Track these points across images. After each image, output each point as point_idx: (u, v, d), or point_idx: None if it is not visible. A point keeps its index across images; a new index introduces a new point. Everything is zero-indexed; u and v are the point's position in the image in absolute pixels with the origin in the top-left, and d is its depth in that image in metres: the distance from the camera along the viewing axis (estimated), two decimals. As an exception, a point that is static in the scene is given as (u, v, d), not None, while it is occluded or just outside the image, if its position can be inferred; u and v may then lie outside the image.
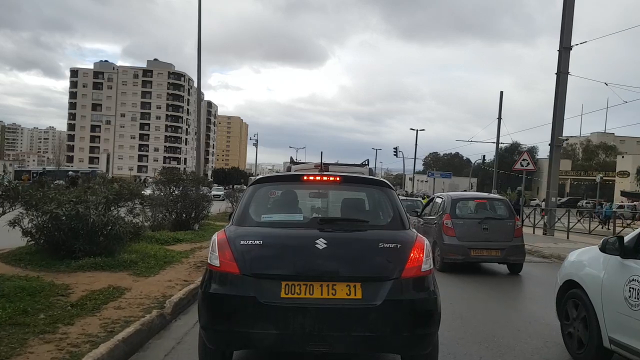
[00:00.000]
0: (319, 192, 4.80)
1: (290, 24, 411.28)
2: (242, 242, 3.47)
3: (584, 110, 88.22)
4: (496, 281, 9.43)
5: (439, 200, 10.97)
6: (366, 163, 10.97)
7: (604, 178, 61.47)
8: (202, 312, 3.45)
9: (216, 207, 23.62)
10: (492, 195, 12.93)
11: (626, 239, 4.14)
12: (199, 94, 15.83)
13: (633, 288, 3.81)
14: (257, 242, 3.47)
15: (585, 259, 4.74)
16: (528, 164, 17.03)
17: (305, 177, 4.19)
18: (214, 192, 44.32)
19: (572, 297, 4.70)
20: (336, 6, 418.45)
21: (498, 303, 7.51)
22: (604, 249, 4.32)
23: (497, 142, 39.15)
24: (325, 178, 4.22)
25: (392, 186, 4.27)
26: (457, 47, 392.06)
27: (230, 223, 3.88)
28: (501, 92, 38.92)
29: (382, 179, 4.68)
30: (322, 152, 7.66)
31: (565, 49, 20.92)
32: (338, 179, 4.18)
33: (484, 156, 60.17)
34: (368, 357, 4.34)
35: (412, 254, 3.47)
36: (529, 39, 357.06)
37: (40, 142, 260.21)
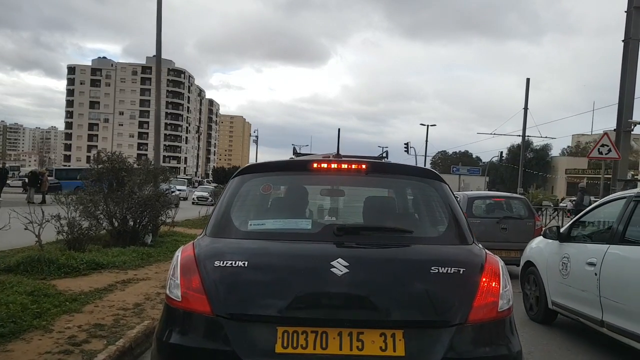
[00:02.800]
0: (333, 189, 3.41)
1: (291, 22, 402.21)
2: (217, 262, 2.34)
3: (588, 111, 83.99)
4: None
5: None
6: (384, 155, 8.49)
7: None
8: None
9: (197, 211, 19.36)
10: (512, 194, 12.08)
11: (562, 228, 5.76)
12: (159, 66, 11.68)
13: (564, 263, 5.36)
14: (241, 263, 2.33)
15: (541, 245, 6.19)
16: (609, 150, 12.70)
17: (313, 165, 2.92)
18: (198, 193, 32.61)
19: (529, 273, 6.30)
20: (337, 3, 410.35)
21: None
22: (545, 235, 5.98)
23: (523, 135, 35.10)
24: (344, 166, 2.88)
25: (443, 179, 3.00)
26: (462, 46, 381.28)
27: (202, 233, 2.69)
28: (527, 79, 34.78)
29: (428, 169, 3.40)
30: (339, 129, 5.07)
31: (636, 8, 16.60)
32: (363, 166, 2.88)
33: (502, 152, 56.16)
34: None
35: (482, 284, 2.35)
36: (535, 37, 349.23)
37: (43, 142, 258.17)
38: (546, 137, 55.64)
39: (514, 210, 9.95)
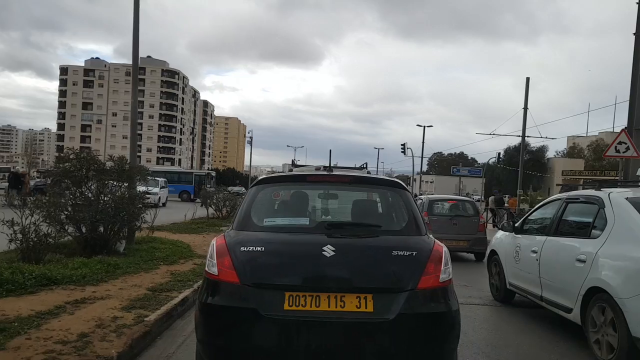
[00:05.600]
0: (326, 194, 4.63)
1: (284, 22, 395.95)
2: (242, 248, 3.27)
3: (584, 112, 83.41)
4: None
5: (419, 202, 12.13)
6: (364, 166, 10.12)
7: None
8: (199, 324, 3.25)
9: (182, 214, 18.25)
10: (462, 197, 15.60)
11: (517, 223, 6.97)
12: (136, 52, 10.64)
13: (517, 251, 6.51)
14: (259, 248, 3.26)
15: (502, 237, 7.40)
16: (628, 148, 11.77)
17: (311, 178, 4.10)
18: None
19: (493, 261, 7.47)
20: (331, 3, 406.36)
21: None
22: (503, 229, 7.45)
23: (523, 136, 34.25)
24: (333, 179, 4.06)
25: (406, 187, 4.01)
26: (457, 47, 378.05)
27: (230, 227, 3.67)
28: (527, 79, 33.67)
29: (395, 180, 4.34)
30: (330, 150, 6.12)
31: (648, -1, 15.68)
32: (347, 179, 4.08)
33: (499, 153, 55.48)
34: None
35: (429, 263, 3.26)
36: (531, 37, 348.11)
37: (36, 143, 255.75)
38: (546, 138, 54.64)
39: (465, 210, 12.68)
